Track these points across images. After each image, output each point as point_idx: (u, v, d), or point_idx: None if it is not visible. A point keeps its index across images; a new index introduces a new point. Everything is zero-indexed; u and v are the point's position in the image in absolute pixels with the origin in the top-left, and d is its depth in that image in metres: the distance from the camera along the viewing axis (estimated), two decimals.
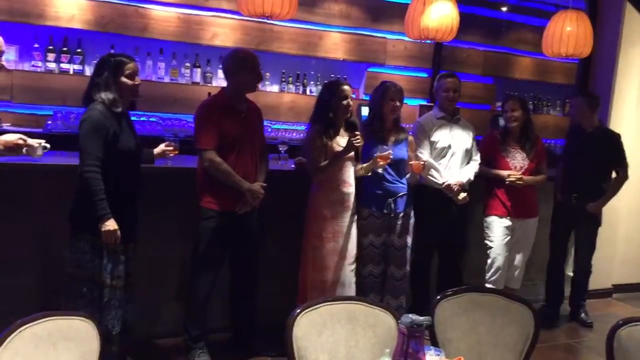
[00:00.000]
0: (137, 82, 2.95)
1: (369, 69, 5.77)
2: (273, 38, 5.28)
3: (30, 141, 2.76)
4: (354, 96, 3.96)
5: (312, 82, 5.61)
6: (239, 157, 3.26)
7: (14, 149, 2.66)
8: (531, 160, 4.09)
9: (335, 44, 5.54)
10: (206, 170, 3.22)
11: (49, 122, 4.49)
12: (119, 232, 2.83)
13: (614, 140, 4.36)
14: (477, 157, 4.03)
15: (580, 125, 4.40)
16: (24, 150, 2.72)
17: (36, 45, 4.66)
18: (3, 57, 2.83)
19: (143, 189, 3.05)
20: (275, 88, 5.53)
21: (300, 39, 5.40)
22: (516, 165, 4.08)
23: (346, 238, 3.50)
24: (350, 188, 3.51)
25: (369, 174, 3.54)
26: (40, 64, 4.66)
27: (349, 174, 3.50)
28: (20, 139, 2.66)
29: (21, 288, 3.28)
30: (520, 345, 2.19)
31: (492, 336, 2.23)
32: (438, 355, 1.78)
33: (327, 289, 3.46)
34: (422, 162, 3.65)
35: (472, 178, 3.94)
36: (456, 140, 3.93)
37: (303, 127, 4.89)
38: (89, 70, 4.65)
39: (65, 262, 2.92)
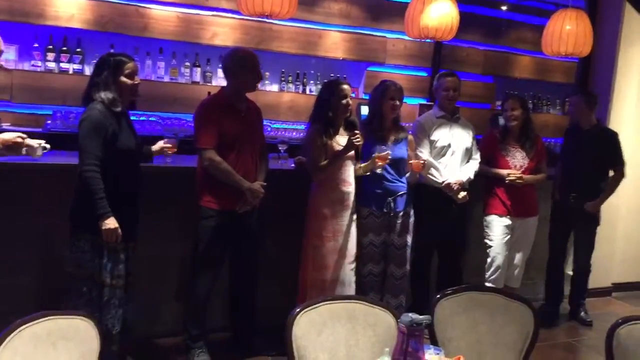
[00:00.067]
0: (136, 82, 2.95)
1: (369, 68, 5.77)
2: (273, 37, 5.28)
3: (30, 141, 2.76)
4: (353, 95, 3.96)
5: (311, 82, 5.60)
6: (238, 157, 3.26)
7: (13, 147, 2.65)
8: (531, 159, 4.09)
9: (335, 43, 5.54)
10: (206, 169, 3.22)
11: (49, 121, 4.49)
12: (119, 231, 2.83)
13: (612, 139, 4.36)
14: (476, 156, 4.04)
15: (578, 124, 4.41)
16: (23, 150, 2.72)
17: (36, 45, 4.66)
18: (2, 57, 2.83)
19: (143, 188, 3.05)
20: (275, 87, 5.53)
21: (300, 38, 5.40)
22: (516, 164, 4.08)
23: (346, 237, 3.50)
24: (350, 187, 3.51)
25: (368, 173, 3.54)
26: (39, 63, 4.65)
27: (349, 173, 3.51)
28: (19, 137, 2.66)
29: (21, 287, 3.28)
30: (520, 344, 2.20)
31: (492, 335, 2.23)
32: (438, 354, 1.79)
33: (327, 288, 3.46)
34: (422, 161, 3.65)
35: (472, 177, 3.94)
36: (456, 139, 3.93)
37: (303, 127, 4.88)
38: (88, 70, 4.64)
39: (65, 261, 2.92)
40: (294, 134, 5.10)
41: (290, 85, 5.54)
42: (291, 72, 5.55)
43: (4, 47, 2.81)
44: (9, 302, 3.11)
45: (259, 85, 3.57)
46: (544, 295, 4.63)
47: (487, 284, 4.03)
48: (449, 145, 3.91)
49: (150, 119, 4.80)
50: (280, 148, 4.06)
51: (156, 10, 4.88)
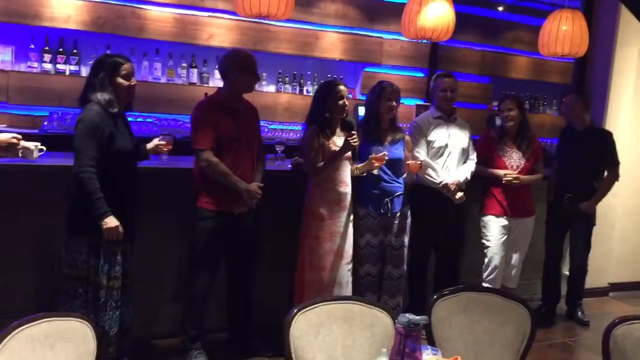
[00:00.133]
0: (133, 83, 2.95)
1: (366, 69, 5.77)
2: (269, 38, 5.27)
3: (27, 143, 2.75)
4: (350, 96, 3.96)
5: (308, 82, 5.61)
6: (235, 158, 3.26)
7: (8, 148, 2.65)
8: (527, 160, 4.10)
9: (331, 43, 5.54)
10: (203, 170, 3.22)
11: (45, 123, 4.48)
12: (121, 228, 2.83)
13: (605, 139, 4.36)
14: (473, 157, 4.04)
15: (573, 125, 4.41)
16: (19, 153, 2.71)
17: (32, 46, 4.65)
18: None
19: (140, 190, 3.05)
20: (272, 88, 5.53)
21: (297, 39, 5.40)
22: (513, 165, 4.09)
23: (343, 238, 3.50)
24: (347, 188, 3.51)
25: (364, 174, 3.54)
26: (36, 64, 4.64)
27: (346, 173, 3.51)
28: (14, 137, 2.66)
29: (18, 288, 3.28)
30: (517, 344, 2.20)
31: (489, 335, 2.24)
32: (435, 354, 1.79)
33: (324, 289, 3.46)
34: (419, 162, 3.65)
35: (469, 177, 3.94)
36: (453, 139, 3.94)
37: (300, 127, 4.89)
38: (85, 71, 4.64)
39: (62, 262, 2.92)
40: (291, 134, 5.10)
41: (287, 86, 5.54)
42: (288, 72, 5.56)
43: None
44: (5, 303, 3.11)
45: (256, 86, 3.57)
46: (541, 295, 4.64)
47: (484, 284, 4.04)
48: (446, 146, 3.91)
49: (147, 120, 4.80)
50: (277, 149, 4.06)
51: (153, 11, 4.87)
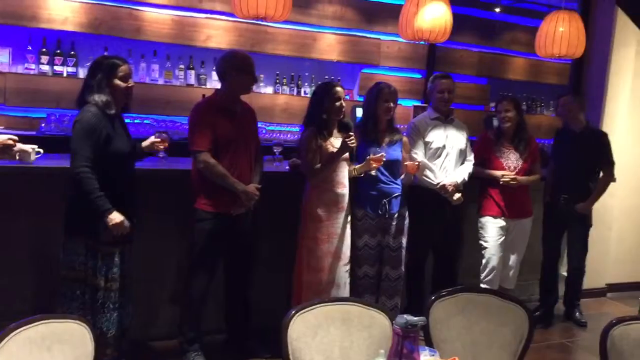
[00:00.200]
0: (130, 85, 2.95)
1: (363, 70, 5.77)
2: (267, 40, 5.27)
3: (24, 146, 2.75)
4: (347, 97, 3.97)
5: (306, 84, 5.61)
6: (233, 159, 3.26)
7: (4, 150, 2.65)
8: (525, 161, 4.11)
9: (329, 45, 5.54)
10: (201, 172, 3.22)
11: (43, 124, 4.47)
12: (126, 222, 2.83)
13: (601, 140, 4.37)
14: (471, 158, 4.05)
15: (568, 126, 4.42)
16: (17, 156, 2.71)
17: (29, 48, 4.64)
18: None
19: (138, 191, 3.04)
20: (269, 89, 5.53)
21: (294, 40, 5.40)
22: (510, 166, 4.09)
23: (341, 239, 3.50)
24: (345, 189, 3.51)
25: (362, 175, 3.54)
26: (33, 66, 4.64)
27: (344, 174, 3.51)
28: (10, 139, 2.65)
29: (15, 291, 3.28)
30: (515, 345, 2.20)
31: (487, 336, 2.24)
32: (433, 355, 1.79)
33: (322, 290, 3.46)
34: (417, 163, 3.66)
35: (466, 178, 3.95)
36: (450, 140, 3.94)
37: (297, 129, 4.88)
38: (82, 73, 4.63)
39: (59, 264, 2.91)
40: (289, 136, 5.10)
41: (285, 87, 5.54)
42: (286, 74, 5.55)
43: None
44: (3, 305, 3.10)
45: (254, 88, 3.57)
46: (539, 296, 4.65)
47: (482, 285, 4.04)
48: (444, 147, 3.92)
49: (144, 121, 4.79)
50: (275, 150, 4.06)
51: (150, 12, 4.87)
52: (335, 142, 3.45)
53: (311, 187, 3.49)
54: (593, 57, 5.16)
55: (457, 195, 3.84)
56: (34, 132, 4.39)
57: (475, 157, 4.07)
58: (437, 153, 3.91)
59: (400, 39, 4.82)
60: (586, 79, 5.27)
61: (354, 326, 2.07)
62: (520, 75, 6.54)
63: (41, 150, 3.07)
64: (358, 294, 3.59)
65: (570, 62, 5.63)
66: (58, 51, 4.71)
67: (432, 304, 2.22)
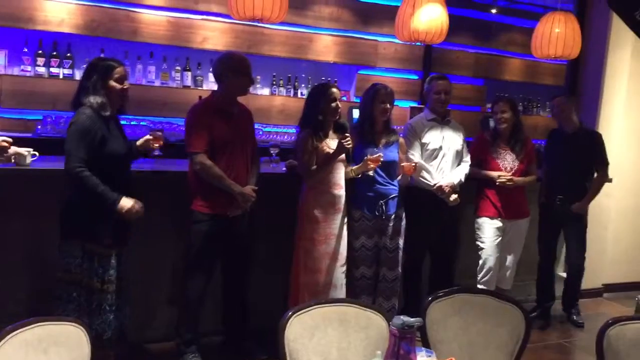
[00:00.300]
0: (125, 86, 2.95)
1: (360, 71, 5.78)
2: (263, 41, 5.27)
3: (19, 149, 2.75)
4: (344, 99, 3.97)
5: (303, 85, 5.61)
6: (230, 160, 3.26)
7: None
8: (521, 161, 4.11)
9: (325, 46, 5.54)
10: (197, 173, 3.22)
11: (39, 126, 4.46)
12: (137, 205, 2.85)
13: (595, 140, 4.38)
14: (467, 159, 4.05)
15: (562, 126, 4.42)
16: (12, 159, 2.71)
17: (25, 50, 4.63)
18: None
19: (134, 193, 3.03)
20: (266, 91, 5.52)
21: (291, 41, 5.40)
22: (506, 167, 4.10)
23: (337, 240, 3.50)
24: (341, 190, 3.51)
25: (359, 176, 3.54)
26: (29, 68, 4.62)
27: (340, 176, 3.51)
28: (4, 141, 2.65)
29: (10, 293, 3.27)
30: (512, 346, 2.20)
31: (484, 337, 2.24)
32: (429, 356, 1.79)
33: (319, 291, 3.46)
34: (413, 164, 3.66)
35: (463, 179, 3.95)
36: (447, 141, 3.95)
37: (294, 130, 4.88)
38: (78, 75, 4.60)
39: (55, 266, 2.90)
40: (286, 137, 5.10)
41: (282, 88, 5.54)
42: (282, 75, 5.55)
43: None
44: None
45: (250, 89, 3.57)
46: (535, 296, 4.65)
47: (479, 286, 4.05)
48: (440, 148, 3.92)
49: (141, 123, 4.78)
50: (271, 152, 4.06)
51: (146, 14, 4.86)
52: (331, 143, 3.45)
53: (308, 188, 3.49)
54: (589, 58, 5.17)
55: (454, 197, 3.84)
56: (30, 134, 4.38)
57: (471, 158, 4.08)
58: (433, 154, 3.91)
59: (396, 40, 4.82)
60: (582, 80, 5.28)
61: (351, 327, 2.07)
62: (516, 76, 6.55)
63: (36, 153, 3.06)
64: (355, 295, 3.59)
65: (566, 63, 5.65)
66: (54, 53, 4.70)
67: (429, 304, 2.23)
